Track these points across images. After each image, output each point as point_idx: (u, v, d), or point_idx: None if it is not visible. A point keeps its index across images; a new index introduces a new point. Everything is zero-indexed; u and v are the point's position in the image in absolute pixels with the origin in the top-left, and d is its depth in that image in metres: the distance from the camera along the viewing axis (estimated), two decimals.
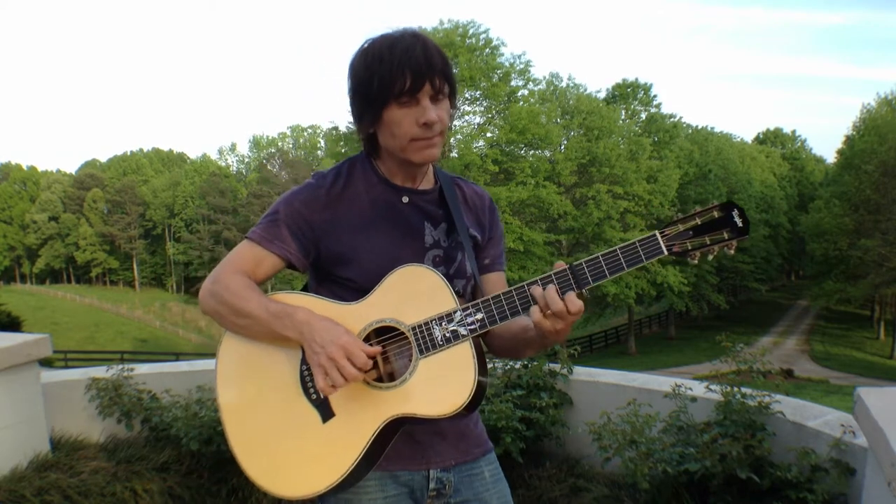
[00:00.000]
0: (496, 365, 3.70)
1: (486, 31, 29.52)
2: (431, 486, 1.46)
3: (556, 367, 3.61)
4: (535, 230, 28.64)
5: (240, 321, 1.37)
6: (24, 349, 3.31)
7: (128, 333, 46.61)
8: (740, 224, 1.26)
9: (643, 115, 36.50)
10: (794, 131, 74.31)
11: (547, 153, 30.22)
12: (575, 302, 1.25)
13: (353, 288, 1.39)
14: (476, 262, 1.52)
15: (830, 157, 53.44)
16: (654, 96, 36.56)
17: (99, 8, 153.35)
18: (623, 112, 35.30)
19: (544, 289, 1.26)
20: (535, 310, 1.27)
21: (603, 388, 3.52)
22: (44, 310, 51.18)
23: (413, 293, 1.33)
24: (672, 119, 37.12)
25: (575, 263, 1.27)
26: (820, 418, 2.81)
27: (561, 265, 1.28)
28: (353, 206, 1.42)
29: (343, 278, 1.41)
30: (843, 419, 2.74)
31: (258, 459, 1.37)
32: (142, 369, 4.01)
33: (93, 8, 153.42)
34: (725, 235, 1.26)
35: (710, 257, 1.30)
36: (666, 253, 1.26)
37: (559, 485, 3.29)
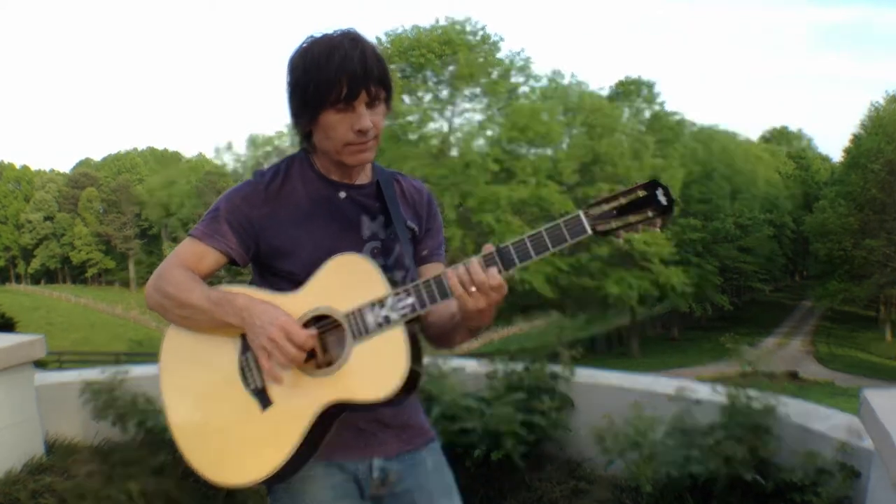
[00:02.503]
0: (497, 367, 3.68)
1: (483, 28, 29.57)
2: (375, 475, 1.50)
3: (558, 369, 3.58)
4: None
5: (183, 312, 1.41)
6: (18, 350, 3.29)
7: (123, 334, 46.68)
8: (664, 202, 1.26)
9: (647, 113, 36.43)
10: (800, 130, 74.41)
11: (549, 151, 30.18)
12: (494, 276, 1.28)
13: (293, 280, 1.43)
14: (414, 254, 1.57)
15: (837, 156, 53.37)
16: (658, 94, 36.52)
17: (94, 7, 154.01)
18: (626, 110, 35.23)
19: (485, 270, 1.29)
20: (454, 282, 1.29)
21: (605, 390, 3.50)
22: (39, 310, 51.25)
23: (347, 281, 1.37)
24: (676, 117, 37.08)
25: (502, 245, 1.30)
26: (825, 421, 2.80)
27: (489, 247, 1.31)
28: (291, 202, 1.47)
29: (283, 271, 1.45)
30: (849, 421, 2.73)
31: (201, 451, 1.41)
32: (137, 371, 3.98)
33: (88, 7, 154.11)
34: (650, 214, 1.26)
35: (637, 236, 1.30)
36: (590, 232, 1.27)
37: (561, 487, 3.27)
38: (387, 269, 1.46)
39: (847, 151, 36.81)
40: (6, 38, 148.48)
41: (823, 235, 34.04)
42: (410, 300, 1.32)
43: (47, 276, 75.77)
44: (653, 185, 1.27)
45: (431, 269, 1.56)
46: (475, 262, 1.30)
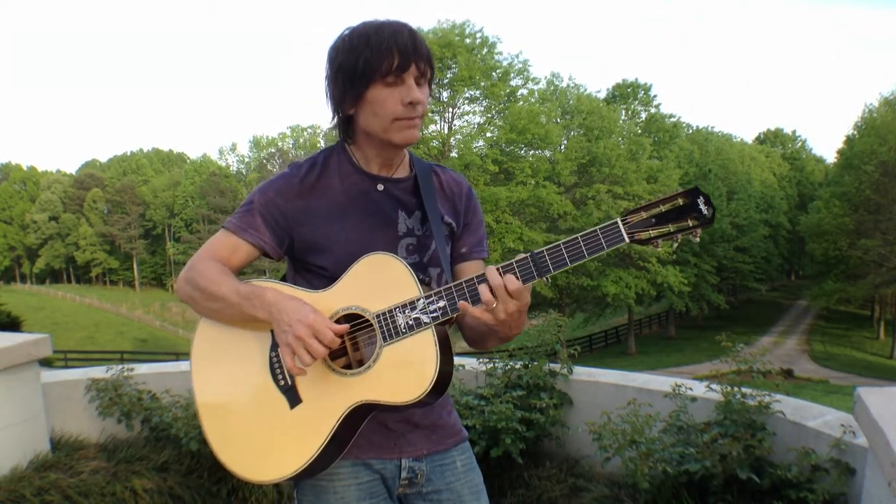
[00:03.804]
0: (496, 365, 3.70)
1: (480, 30, 29.55)
2: (403, 474, 1.48)
3: (556, 367, 3.61)
4: (535, 230, 28.62)
5: (212, 305, 1.40)
6: (24, 349, 3.30)
7: (128, 333, 46.54)
8: (705, 212, 1.21)
9: (643, 115, 36.52)
10: (794, 131, 74.39)
11: (547, 153, 30.18)
12: (512, 281, 1.23)
13: (327, 276, 1.40)
14: (452, 250, 1.53)
15: (831, 157, 53.47)
16: (654, 96, 36.65)
17: (99, 7, 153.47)
18: (623, 112, 35.31)
19: (503, 276, 1.25)
20: (483, 289, 1.25)
21: (603, 388, 3.52)
22: (44, 310, 51.13)
23: (379, 281, 1.34)
24: (672, 119, 37.15)
25: (536, 251, 1.26)
26: (820, 418, 2.82)
27: (522, 255, 1.27)
28: (327, 195, 1.44)
29: (316, 266, 1.43)
30: (843, 419, 2.75)
31: (230, 445, 1.40)
32: (141, 369, 4.01)
33: (93, 7, 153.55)
34: (690, 223, 1.22)
35: (675, 245, 1.26)
36: (627, 241, 1.22)
37: (559, 485, 3.29)
38: (422, 266, 1.46)
39: (840, 153, 36.84)
40: (12, 38, 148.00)
41: (819, 236, 34.05)
42: (442, 303, 1.29)
43: (52, 275, 75.50)
44: (694, 192, 1.22)
45: (470, 267, 1.52)
46: (510, 276, 1.25)
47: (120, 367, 3.88)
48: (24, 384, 3.33)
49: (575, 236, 1.24)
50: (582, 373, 3.66)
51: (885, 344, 34.09)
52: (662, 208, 1.22)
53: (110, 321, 50.93)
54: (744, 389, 2.96)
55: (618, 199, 29.77)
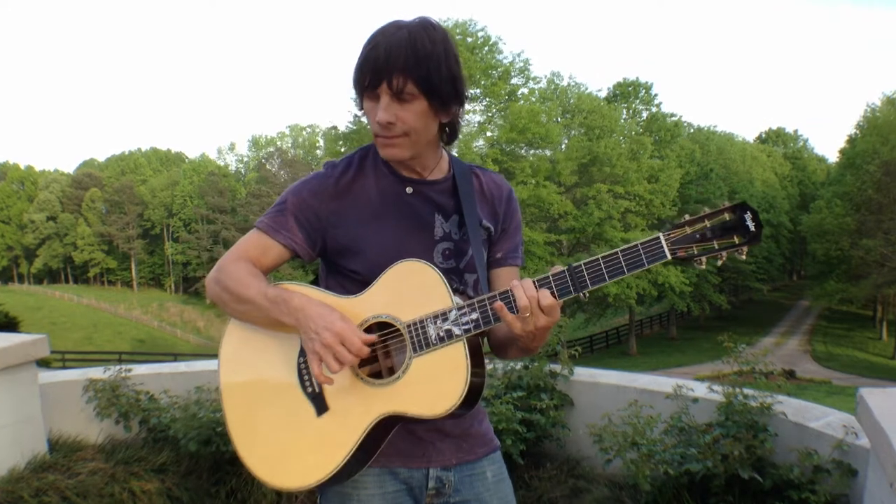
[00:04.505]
0: (496, 366, 3.69)
1: (483, 30, 29.60)
2: (431, 484, 1.44)
3: (557, 367, 3.60)
4: (536, 230, 28.66)
5: (240, 307, 1.38)
6: (21, 349, 3.30)
7: (126, 334, 46.61)
8: (753, 228, 1.15)
9: (644, 115, 36.56)
10: (796, 131, 74.65)
11: (547, 152, 30.24)
12: (546, 297, 1.21)
13: (359, 281, 1.37)
14: (487, 255, 1.48)
15: (833, 157, 53.58)
16: (655, 95, 36.67)
17: (97, 7, 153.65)
18: (624, 111, 35.35)
19: (538, 290, 1.22)
20: (520, 294, 1.22)
21: (604, 388, 3.51)
22: (41, 310, 51.21)
23: (411, 289, 1.30)
24: (673, 118, 37.18)
25: (574, 265, 1.22)
26: (822, 419, 2.81)
27: (558, 268, 1.23)
28: (362, 197, 1.40)
29: (349, 270, 1.40)
30: (846, 420, 2.74)
31: (256, 451, 1.39)
32: (140, 370, 4.00)
33: (91, 7, 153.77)
34: (736, 240, 1.16)
35: (719, 262, 1.21)
36: (669, 258, 1.18)
37: (560, 486, 3.28)
38: (458, 272, 1.42)
39: (842, 152, 36.90)
40: (9, 38, 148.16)
41: (821, 235, 34.11)
42: (475, 315, 1.26)
43: (50, 275, 75.53)
44: (741, 207, 1.17)
45: (504, 274, 1.49)
46: (531, 283, 1.23)
47: (118, 367, 3.87)
48: (21, 385, 3.33)
49: (615, 251, 1.20)
50: (583, 374, 3.65)
51: (887, 344, 34.11)
52: (707, 223, 1.18)
53: (108, 321, 51.00)
54: (745, 390, 2.95)
55: (619, 199, 29.82)
